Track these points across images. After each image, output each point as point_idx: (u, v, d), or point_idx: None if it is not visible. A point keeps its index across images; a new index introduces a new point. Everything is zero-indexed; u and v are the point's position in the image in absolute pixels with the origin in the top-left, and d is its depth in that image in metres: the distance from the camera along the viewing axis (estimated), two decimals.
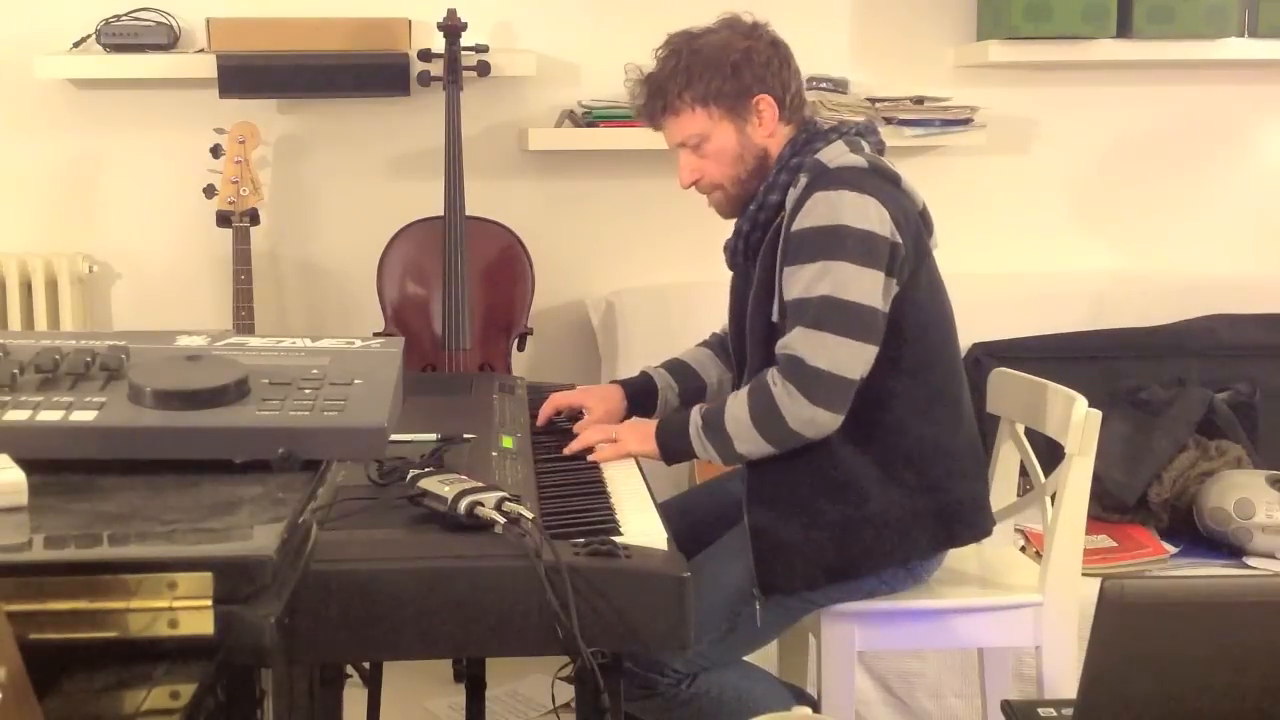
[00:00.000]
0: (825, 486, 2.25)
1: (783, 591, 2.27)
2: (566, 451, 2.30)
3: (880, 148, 2.38)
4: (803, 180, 2.27)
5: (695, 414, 2.32)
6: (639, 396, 2.55)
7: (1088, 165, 3.82)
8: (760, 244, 2.33)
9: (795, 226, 2.23)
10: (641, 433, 2.35)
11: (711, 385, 2.58)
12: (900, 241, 2.22)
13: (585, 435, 2.34)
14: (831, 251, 2.19)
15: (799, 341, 2.21)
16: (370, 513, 1.77)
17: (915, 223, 2.29)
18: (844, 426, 2.23)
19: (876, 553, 2.27)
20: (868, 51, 3.70)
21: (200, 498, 1.51)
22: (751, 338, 2.34)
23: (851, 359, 2.20)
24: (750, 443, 2.25)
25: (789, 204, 2.28)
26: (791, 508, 2.26)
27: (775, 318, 2.26)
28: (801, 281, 2.22)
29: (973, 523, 2.34)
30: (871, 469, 2.25)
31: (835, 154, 2.28)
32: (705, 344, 2.66)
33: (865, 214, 2.20)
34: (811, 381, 2.19)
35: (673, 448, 2.33)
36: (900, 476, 2.26)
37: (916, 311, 2.27)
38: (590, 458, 2.29)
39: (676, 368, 2.60)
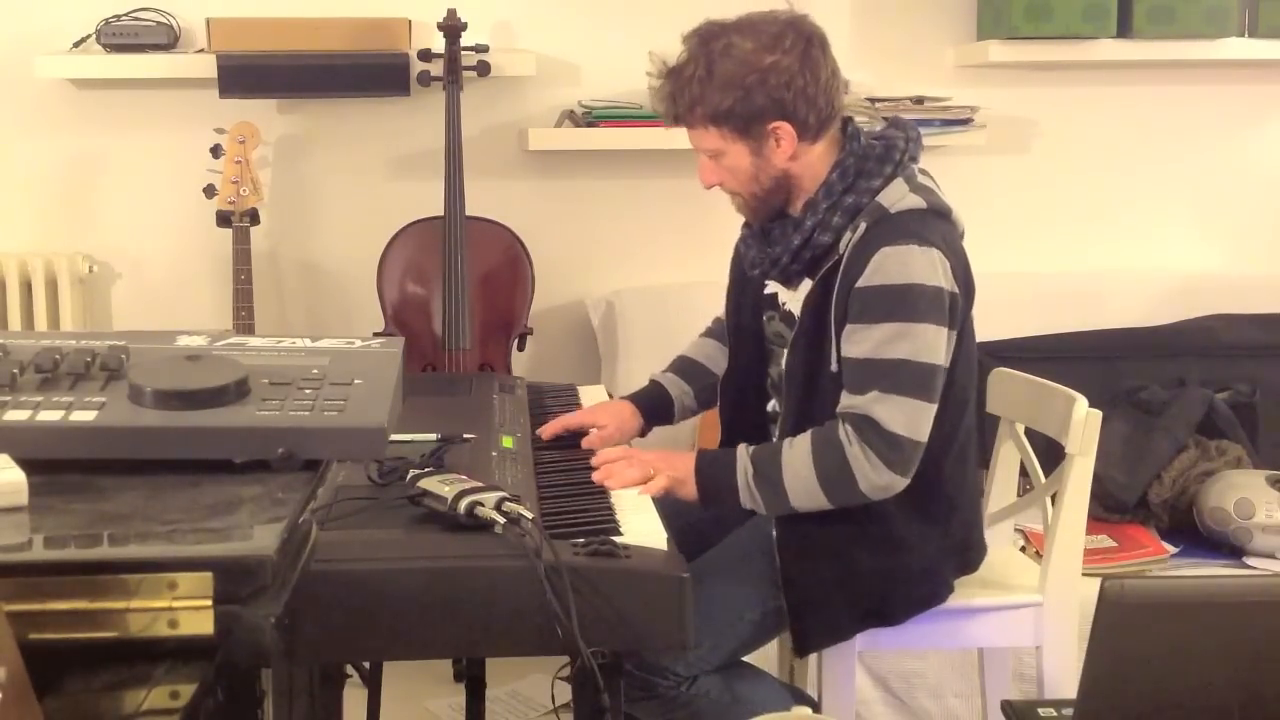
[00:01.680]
0: (861, 536, 2.21)
1: (818, 646, 2.26)
2: (596, 479, 2.13)
3: (916, 156, 2.28)
4: (862, 226, 2.17)
5: (744, 458, 2.19)
6: (653, 408, 2.50)
7: (1088, 165, 3.82)
8: (800, 275, 2.26)
9: (863, 283, 2.14)
10: (681, 469, 2.20)
11: (721, 375, 2.51)
12: (957, 291, 2.17)
13: (620, 473, 2.14)
14: (905, 313, 2.12)
15: (876, 405, 2.12)
16: (370, 513, 1.77)
17: (965, 264, 2.23)
18: None
19: (913, 600, 2.27)
20: (868, 51, 3.69)
21: (200, 498, 1.51)
22: (789, 380, 2.26)
23: (925, 421, 2.14)
24: (809, 500, 2.16)
25: (845, 249, 2.17)
26: (827, 557, 2.21)
27: (834, 367, 2.18)
28: (872, 341, 2.13)
29: (980, 547, 2.37)
30: (909, 517, 2.22)
31: (896, 197, 2.18)
32: (708, 334, 2.61)
33: (935, 270, 2.13)
34: (890, 447, 2.12)
35: (716, 495, 2.20)
36: (935, 521, 2.25)
37: (959, 355, 2.22)
38: (639, 491, 2.11)
39: (686, 367, 2.56)
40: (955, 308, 2.17)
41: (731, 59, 2.17)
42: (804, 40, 2.19)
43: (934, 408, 2.16)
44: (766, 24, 2.20)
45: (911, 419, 2.13)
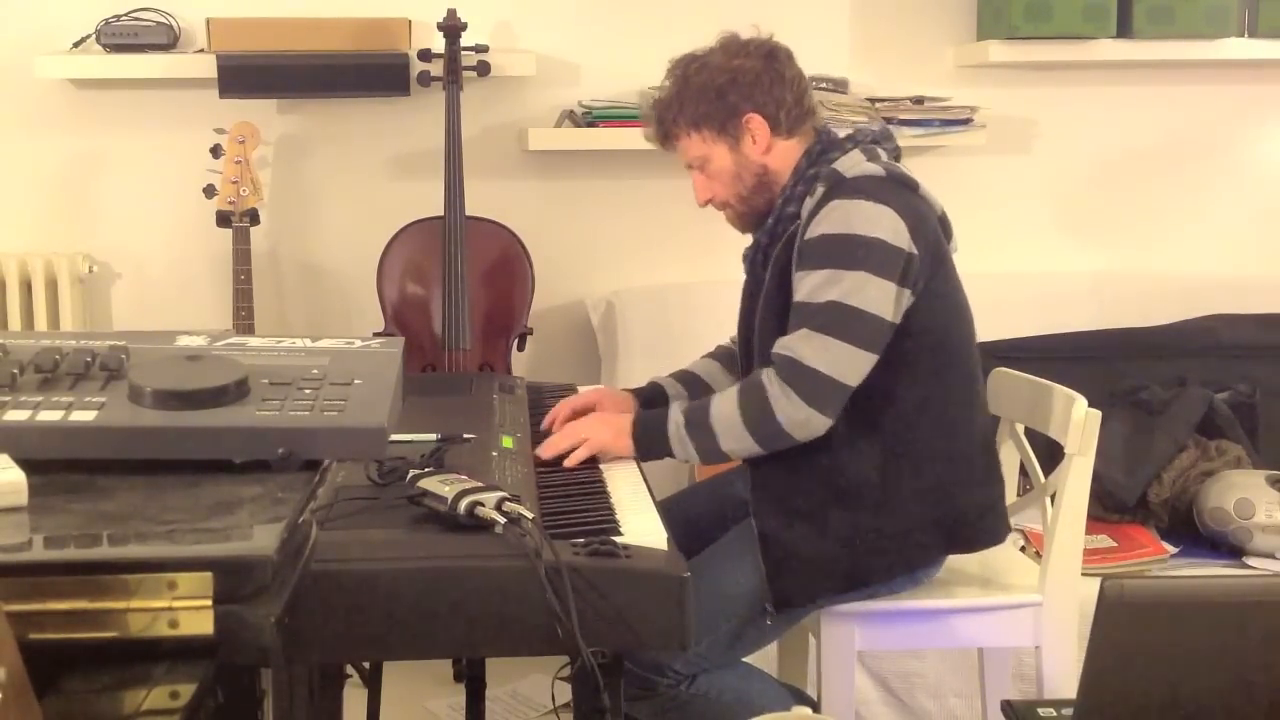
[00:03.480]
0: (833, 494, 2.25)
1: (796, 605, 2.27)
2: (540, 455, 2.23)
3: (896, 154, 2.38)
4: (819, 190, 2.28)
5: (675, 411, 2.31)
6: (648, 403, 2.53)
7: (1088, 165, 3.82)
8: (776, 253, 2.33)
9: (809, 234, 2.24)
10: (614, 429, 2.31)
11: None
12: (915, 252, 2.22)
13: (556, 444, 2.26)
14: (843, 260, 2.20)
15: (799, 343, 2.21)
16: (370, 513, 1.77)
17: (933, 230, 2.28)
18: (848, 431, 2.24)
19: (887, 562, 2.27)
20: (868, 51, 3.70)
21: (200, 498, 1.51)
22: (760, 344, 2.33)
23: (850, 365, 2.20)
24: (737, 440, 2.25)
25: (804, 213, 2.28)
26: (800, 515, 2.25)
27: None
28: (808, 285, 2.22)
29: (980, 529, 2.34)
30: (876, 475, 2.25)
31: (852, 163, 2.29)
32: (713, 356, 2.64)
33: (880, 223, 2.20)
34: (808, 383, 2.19)
35: (647, 446, 2.30)
36: (905, 483, 2.26)
37: (931, 317, 2.27)
38: (565, 464, 2.23)
39: (686, 379, 2.60)
40: (911, 268, 2.22)
41: (703, 71, 2.38)
42: (767, 48, 2.40)
43: (867, 355, 2.21)
44: (731, 41, 2.42)
45: (835, 359, 2.20)
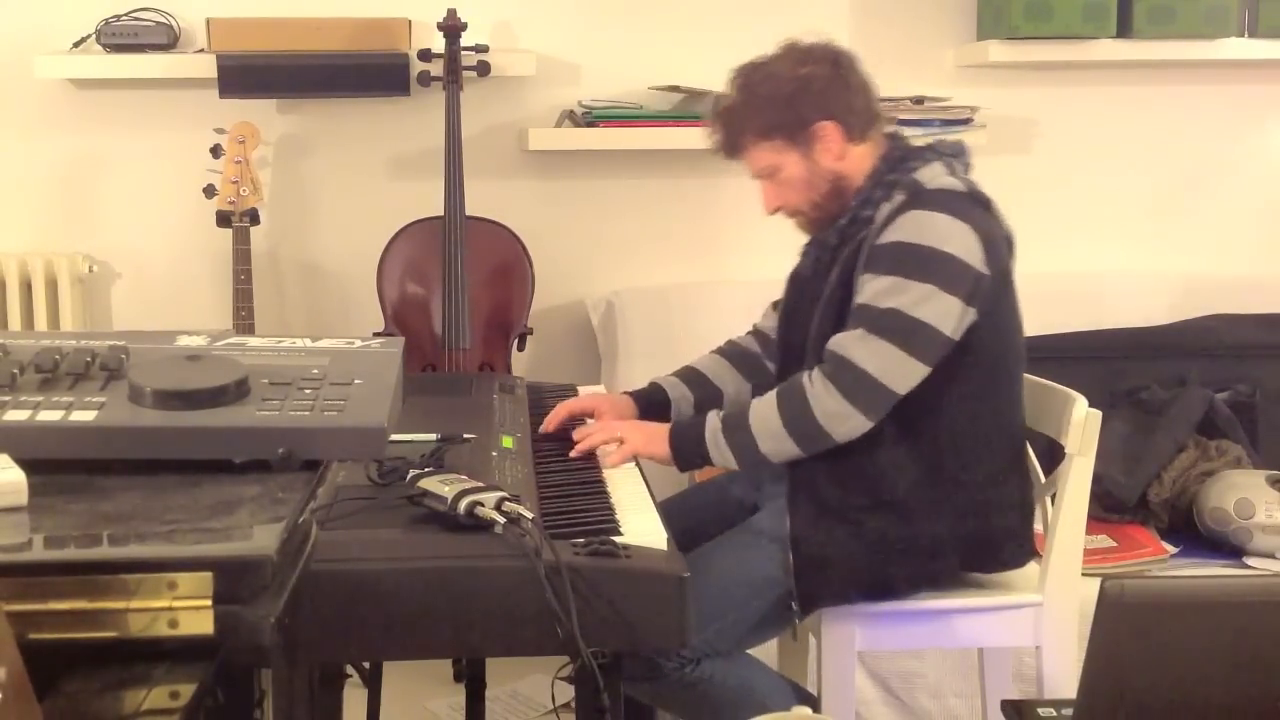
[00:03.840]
0: (872, 500, 2.24)
1: (819, 605, 2.27)
2: (573, 455, 2.26)
3: (968, 169, 2.37)
4: (898, 197, 2.26)
5: (713, 416, 2.30)
6: (649, 406, 2.52)
7: (1088, 165, 3.82)
8: (845, 255, 2.30)
9: (881, 239, 2.22)
10: (648, 433, 2.32)
11: (729, 394, 2.54)
12: (986, 273, 2.21)
13: (591, 436, 2.30)
14: (912, 269, 2.18)
15: (854, 342, 2.19)
16: (370, 513, 1.77)
17: (1003, 252, 2.27)
18: (895, 440, 2.23)
19: (912, 572, 2.27)
20: (868, 51, 3.63)
21: (200, 498, 1.51)
22: (814, 343, 2.29)
23: (901, 372, 2.18)
24: (775, 440, 2.23)
25: (879, 218, 2.26)
26: (836, 517, 2.25)
27: None
28: (872, 289, 2.20)
29: (1004, 554, 2.34)
30: (916, 486, 2.24)
31: (933, 175, 2.28)
32: (720, 352, 2.62)
33: (955, 239, 2.19)
34: (853, 381, 2.18)
35: (686, 451, 2.29)
36: (943, 497, 2.26)
37: (993, 339, 2.26)
38: (605, 464, 2.24)
39: (690, 376, 2.57)
40: (980, 287, 2.20)
41: (770, 80, 2.34)
42: (832, 54, 2.37)
43: (919, 366, 2.19)
44: (794, 48, 2.37)
45: (887, 363, 2.18)
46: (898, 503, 2.24)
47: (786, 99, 2.31)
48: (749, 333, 2.65)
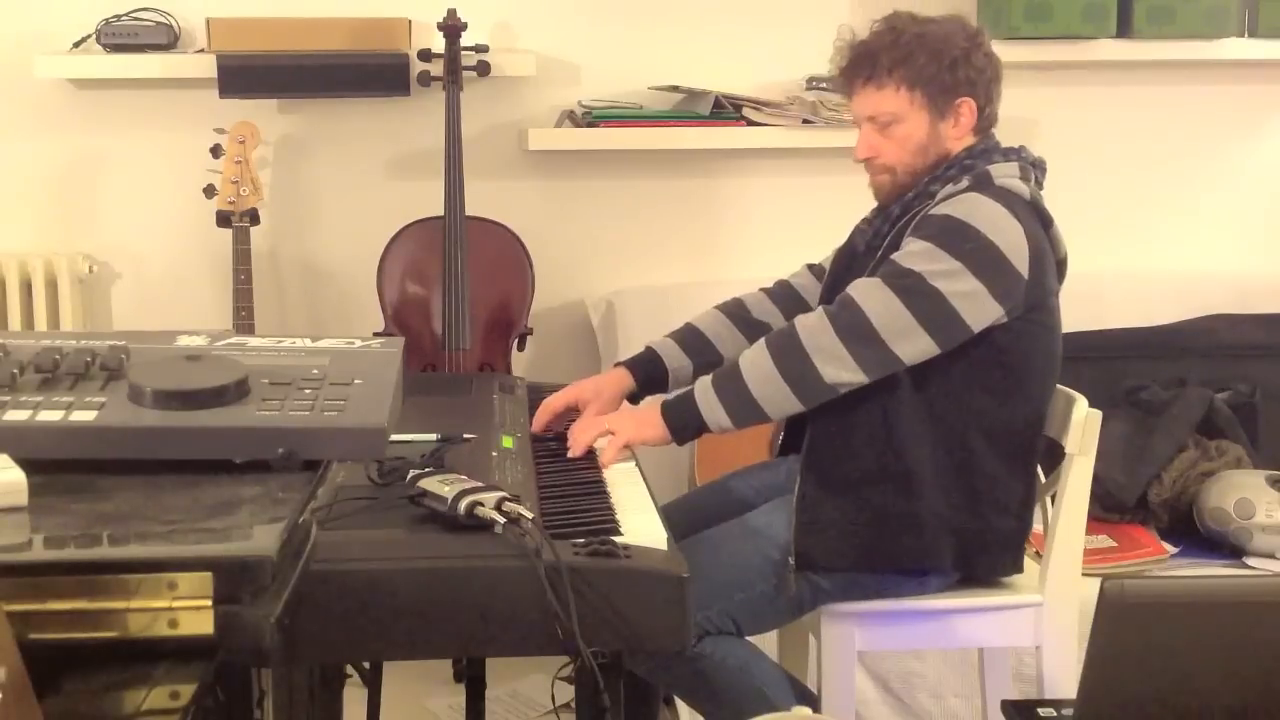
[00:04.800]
0: (882, 474, 2.24)
1: (815, 565, 2.25)
2: (572, 455, 2.22)
3: (1041, 185, 2.37)
4: (964, 181, 2.26)
5: (703, 376, 2.26)
6: (648, 378, 2.46)
7: (1087, 165, 3.81)
8: (902, 226, 2.30)
9: (933, 210, 2.22)
10: (639, 419, 2.27)
11: (728, 359, 2.40)
12: (1025, 276, 2.20)
13: (578, 436, 2.24)
14: (951, 244, 2.17)
15: (866, 288, 2.18)
16: (370, 513, 1.77)
17: (1049, 269, 2.27)
18: (915, 420, 2.22)
19: (907, 550, 2.27)
20: None
21: (200, 498, 1.51)
22: None
23: (905, 334, 2.16)
24: (766, 382, 2.17)
25: (940, 196, 2.26)
26: (844, 486, 2.25)
27: None
28: (905, 249, 2.20)
29: (995, 558, 2.34)
30: (926, 468, 2.24)
31: (1005, 172, 2.28)
32: (724, 310, 2.54)
33: (1004, 233, 2.19)
34: (851, 321, 2.16)
35: (679, 422, 2.23)
36: (950, 487, 2.26)
37: (1026, 347, 2.26)
38: (601, 463, 2.20)
39: (690, 339, 2.49)
40: (1014, 289, 2.19)
41: (935, 35, 2.31)
42: (989, 46, 2.37)
43: (926, 337, 2.16)
44: (961, 23, 2.36)
45: (889, 317, 2.15)
46: (906, 479, 2.23)
47: (951, 61, 2.28)
48: (763, 290, 2.58)
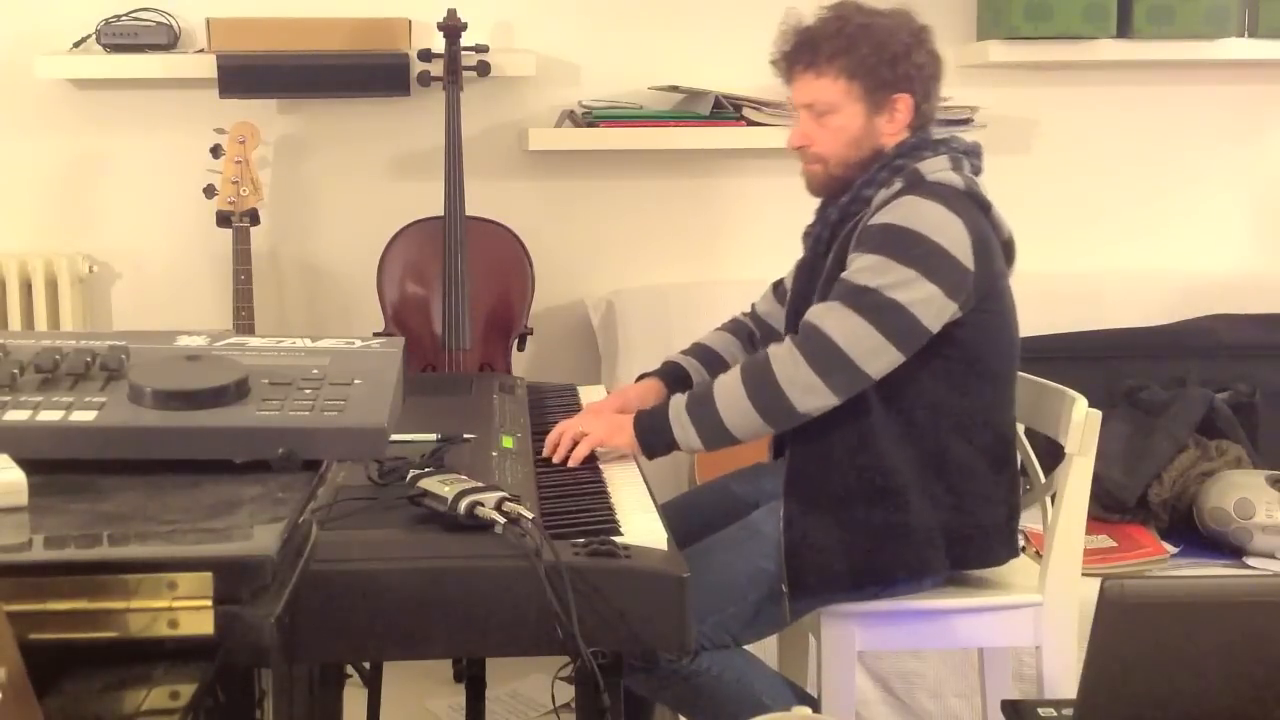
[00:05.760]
0: (865, 489, 2.24)
1: (809, 590, 2.26)
2: (571, 464, 2.21)
3: (978, 170, 2.37)
4: (897, 184, 2.25)
5: (677, 396, 2.28)
6: (676, 387, 2.47)
7: (1088, 165, 3.82)
8: (844, 234, 2.30)
9: (873, 220, 2.22)
10: (612, 424, 2.27)
11: (702, 385, 2.46)
12: (972, 269, 2.21)
13: (559, 447, 2.23)
14: (898, 252, 2.17)
15: (827, 313, 2.19)
16: (370, 513, 1.77)
17: (995, 254, 2.27)
18: (890, 433, 2.23)
19: (901, 562, 2.27)
20: None
21: (200, 498, 1.51)
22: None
23: (871, 351, 2.17)
24: (739, 413, 2.20)
25: (876, 202, 2.26)
26: (829, 505, 2.25)
27: None
28: (855, 266, 2.20)
29: (987, 549, 2.34)
30: (907, 478, 2.24)
31: (936, 168, 2.27)
32: (730, 330, 2.60)
33: (946, 231, 2.19)
34: (821, 351, 2.17)
35: (649, 435, 2.24)
36: (934, 489, 2.26)
37: (983, 336, 2.27)
38: (570, 462, 2.20)
39: (705, 355, 2.55)
40: (964, 282, 2.20)
41: (880, 27, 2.29)
42: (933, 44, 2.35)
43: (890, 348, 2.17)
44: (907, 18, 2.34)
45: (858, 339, 2.16)
46: (889, 493, 2.24)
47: (892, 56, 2.27)
48: (745, 314, 2.65)
